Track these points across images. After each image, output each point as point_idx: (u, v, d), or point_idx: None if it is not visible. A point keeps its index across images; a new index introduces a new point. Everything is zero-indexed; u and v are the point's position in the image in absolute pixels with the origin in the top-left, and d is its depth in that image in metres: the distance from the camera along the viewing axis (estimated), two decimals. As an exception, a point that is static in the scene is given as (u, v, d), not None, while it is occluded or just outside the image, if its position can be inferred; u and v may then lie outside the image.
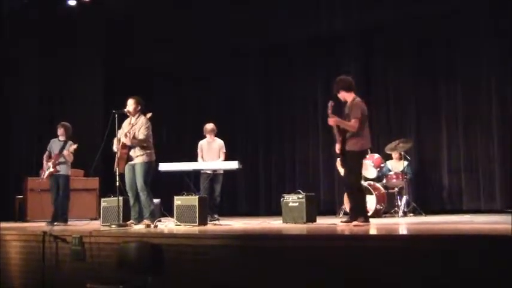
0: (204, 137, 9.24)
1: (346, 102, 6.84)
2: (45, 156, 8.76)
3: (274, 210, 10.48)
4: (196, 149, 9.21)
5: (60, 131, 8.80)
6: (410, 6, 10.04)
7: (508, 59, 9.27)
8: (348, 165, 6.79)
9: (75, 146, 8.63)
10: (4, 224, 8.16)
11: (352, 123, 6.63)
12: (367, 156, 8.99)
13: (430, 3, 9.88)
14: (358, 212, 6.69)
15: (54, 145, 8.79)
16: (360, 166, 6.83)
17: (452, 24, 10.00)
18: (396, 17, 10.33)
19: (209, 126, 9.24)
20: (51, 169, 8.61)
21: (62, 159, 8.64)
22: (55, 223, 8.26)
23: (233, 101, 12.50)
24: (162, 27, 12.15)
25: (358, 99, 6.79)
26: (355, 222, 6.63)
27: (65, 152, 8.60)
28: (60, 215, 8.52)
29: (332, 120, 6.75)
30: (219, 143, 9.20)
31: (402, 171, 9.38)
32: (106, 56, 12.73)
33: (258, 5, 11.32)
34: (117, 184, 7.38)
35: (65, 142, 8.72)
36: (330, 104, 6.77)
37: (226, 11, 11.56)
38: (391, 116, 10.76)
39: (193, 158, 9.14)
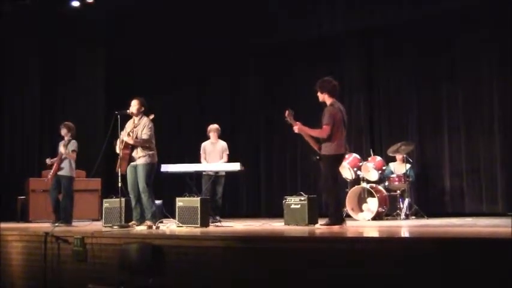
0: (207, 137, 9.23)
1: (324, 103, 6.81)
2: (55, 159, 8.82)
3: (276, 212, 10.46)
4: (198, 150, 9.20)
5: (64, 131, 8.81)
6: (411, 7, 10.04)
7: (509, 60, 9.27)
8: (322, 169, 6.82)
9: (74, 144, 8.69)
10: (6, 225, 8.17)
11: (322, 130, 6.65)
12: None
13: (430, 4, 9.88)
14: (330, 214, 6.77)
15: (61, 146, 8.83)
16: (333, 170, 6.73)
17: (453, 25, 9.99)
18: (397, 18, 10.31)
19: (213, 126, 9.20)
20: (55, 167, 8.63)
21: (64, 157, 8.67)
22: (56, 224, 8.26)
23: (233, 101, 12.50)
24: (162, 27, 12.16)
25: (333, 105, 6.72)
26: (317, 225, 6.90)
27: (63, 149, 8.63)
28: (64, 217, 8.51)
29: (297, 129, 6.82)
30: (222, 144, 9.18)
31: (404, 174, 9.37)
32: (107, 56, 12.74)
33: (258, 5, 11.31)
34: (119, 185, 7.39)
35: (69, 141, 8.75)
36: (287, 113, 6.81)
37: (226, 11, 11.55)
38: (393, 118, 10.74)
39: (194, 159, 9.12)
